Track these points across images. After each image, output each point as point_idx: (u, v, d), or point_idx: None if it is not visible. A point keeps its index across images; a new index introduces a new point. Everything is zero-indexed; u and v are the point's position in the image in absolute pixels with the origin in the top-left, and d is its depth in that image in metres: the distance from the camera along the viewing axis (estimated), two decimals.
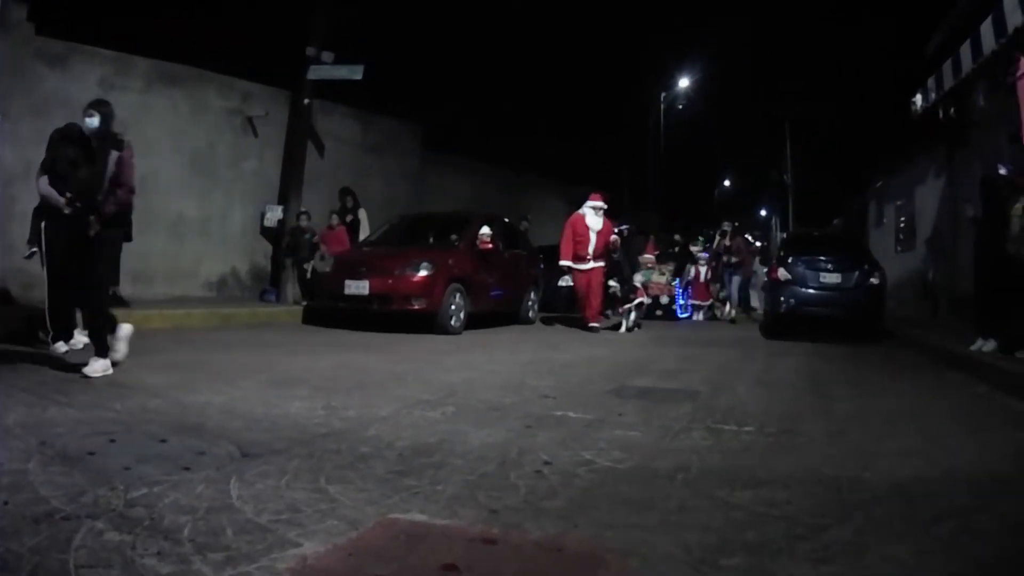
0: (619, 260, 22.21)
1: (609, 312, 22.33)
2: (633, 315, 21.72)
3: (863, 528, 4.84)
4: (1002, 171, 13.24)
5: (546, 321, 23.40)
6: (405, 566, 3.97)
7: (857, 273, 20.29)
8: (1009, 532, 4.91)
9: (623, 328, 21.21)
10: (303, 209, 22.88)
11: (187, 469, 5.50)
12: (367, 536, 4.37)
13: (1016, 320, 13.07)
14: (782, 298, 20.64)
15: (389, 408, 8.26)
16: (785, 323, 20.75)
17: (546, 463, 6.12)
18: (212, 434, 6.61)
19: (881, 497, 5.52)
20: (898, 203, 31.96)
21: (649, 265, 26.31)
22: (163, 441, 6.29)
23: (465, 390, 9.78)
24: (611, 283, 21.50)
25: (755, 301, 29.30)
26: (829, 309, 20.21)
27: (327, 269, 20.98)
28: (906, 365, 14.96)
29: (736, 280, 28.37)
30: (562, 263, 21.25)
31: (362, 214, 24.62)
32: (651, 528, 4.70)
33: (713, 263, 28.95)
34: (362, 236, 23.37)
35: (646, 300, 23.74)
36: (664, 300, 27.72)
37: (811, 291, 20.35)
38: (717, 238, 29.32)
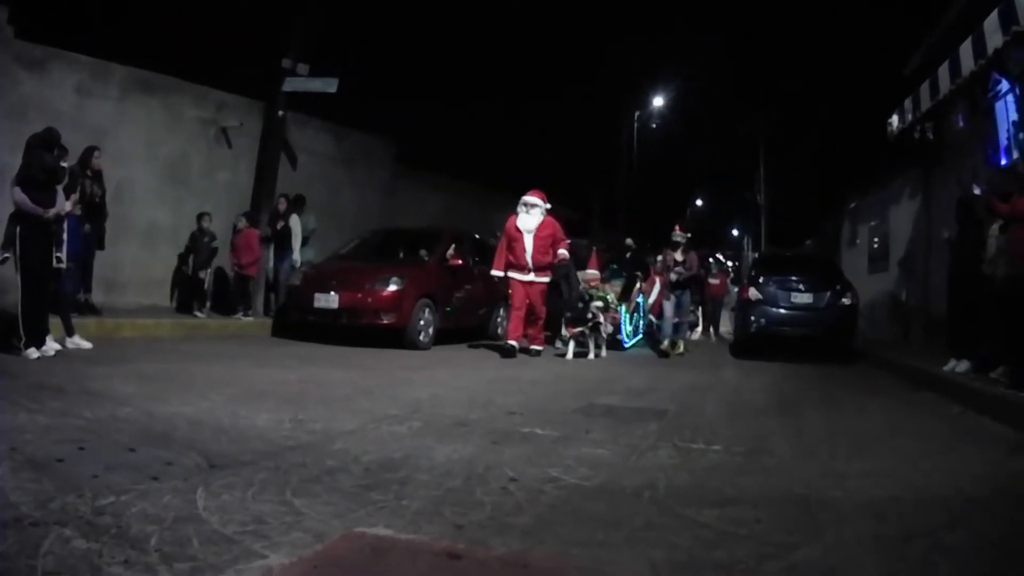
0: (566, 274, 18.99)
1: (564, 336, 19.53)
2: (593, 340, 18.36)
3: (833, 547, 4.85)
4: (976, 191, 13.32)
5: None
6: None
7: (829, 293, 20.41)
8: (981, 551, 4.95)
9: (569, 353, 17.98)
10: (205, 211, 21.14)
11: (155, 479, 5.47)
12: (332, 549, 4.36)
13: (989, 341, 13.15)
14: (753, 318, 20.70)
15: (356, 422, 8.26)
16: (756, 343, 20.79)
17: (512, 479, 6.11)
18: (180, 444, 6.59)
19: (852, 516, 5.53)
20: (871, 224, 32.01)
21: (592, 283, 20.80)
22: (132, 450, 6.28)
23: (432, 405, 9.79)
24: (592, 310, 18.19)
25: (725, 324, 29.03)
26: (800, 329, 20.29)
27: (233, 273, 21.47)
28: (878, 385, 15.05)
29: (674, 303, 22.03)
30: (493, 273, 19.13)
31: (295, 222, 22.28)
32: (617, 545, 4.70)
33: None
34: (295, 246, 22.03)
35: (603, 324, 18.79)
36: (607, 329, 19.94)
37: (782, 311, 20.45)
38: (668, 254, 22.57)
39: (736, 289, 26.93)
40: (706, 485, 6.34)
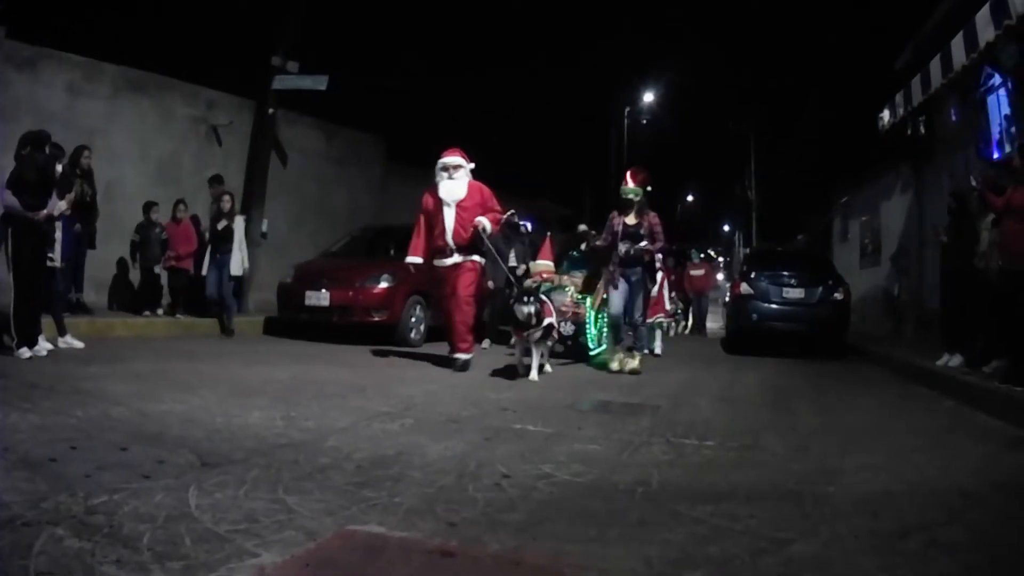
0: (496, 248, 14.74)
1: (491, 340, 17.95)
2: (539, 351, 13.33)
3: (828, 542, 4.84)
4: (974, 184, 13.32)
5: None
6: None
7: (821, 288, 20.44)
8: (976, 546, 4.93)
9: (533, 372, 12.99)
10: (153, 200, 19.68)
11: (147, 477, 5.46)
12: (325, 547, 4.35)
13: (982, 335, 13.17)
14: (745, 313, 20.72)
15: (348, 419, 8.26)
16: (748, 338, 20.79)
17: (505, 476, 6.11)
18: (172, 443, 6.58)
19: (846, 512, 5.53)
20: (863, 219, 32.10)
21: (545, 275, 17.51)
22: (124, 449, 6.26)
23: (424, 402, 9.80)
24: (527, 306, 12.79)
25: (714, 320, 28.75)
26: (792, 324, 20.32)
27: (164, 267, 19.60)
28: (871, 380, 15.08)
29: (625, 291, 15.09)
30: (408, 260, 14.82)
31: (239, 225, 19.82)
32: (611, 542, 4.69)
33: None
34: (236, 250, 19.42)
35: (553, 323, 13.93)
36: (568, 329, 17.05)
37: (774, 306, 20.49)
38: (613, 217, 15.57)
39: (728, 284, 26.85)
40: (700, 481, 6.35)
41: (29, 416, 7.37)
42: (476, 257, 14.43)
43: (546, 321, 13.29)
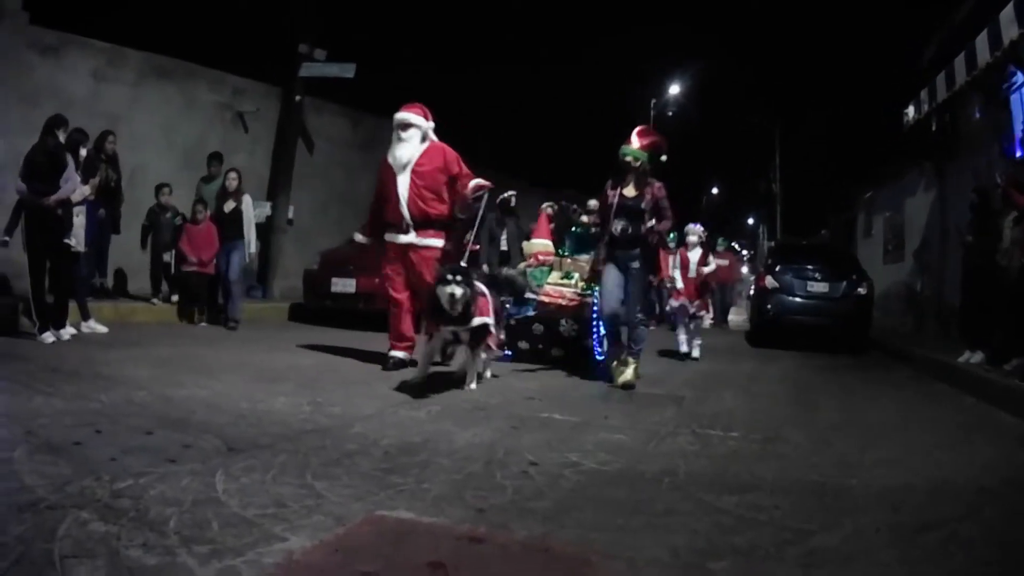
0: (490, 231, 14.47)
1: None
2: (476, 359, 10.25)
3: (850, 536, 4.84)
4: (999, 180, 13.27)
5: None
6: (392, 563, 3.97)
7: (845, 283, 20.40)
8: (994, 542, 4.93)
9: (471, 382, 10.06)
10: (164, 182, 18.54)
11: (173, 461, 5.46)
12: (354, 532, 4.35)
13: (1003, 332, 13.11)
14: (769, 306, 20.67)
15: (374, 406, 8.27)
16: (771, 332, 20.76)
17: (532, 464, 6.12)
18: (197, 428, 6.59)
19: (867, 505, 5.53)
20: (887, 214, 31.97)
21: (541, 257, 14.81)
22: (149, 433, 6.26)
23: (449, 390, 9.77)
24: (448, 287, 9.37)
25: (734, 314, 28.37)
26: (816, 318, 20.27)
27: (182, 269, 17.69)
28: (892, 376, 15.05)
29: (618, 281, 11.57)
30: (355, 238, 13.34)
31: (247, 202, 17.83)
32: (638, 531, 4.69)
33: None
34: (248, 232, 17.66)
35: (489, 324, 10.35)
36: (565, 327, 13.48)
37: (798, 300, 20.43)
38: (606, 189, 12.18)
39: (753, 277, 26.73)
40: (725, 472, 6.35)
41: (52, 400, 7.40)
42: (438, 242, 11.92)
43: (477, 320, 9.86)
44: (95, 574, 3.61)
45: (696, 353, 15.89)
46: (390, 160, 11.74)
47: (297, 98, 23.02)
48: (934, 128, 22.90)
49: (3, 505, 4.35)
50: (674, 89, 52.25)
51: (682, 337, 16.35)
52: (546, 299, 13.66)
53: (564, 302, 13.64)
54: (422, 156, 11.62)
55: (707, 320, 17.32)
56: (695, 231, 16.90)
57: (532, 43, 43.70)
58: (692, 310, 16.19)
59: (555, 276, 14.34)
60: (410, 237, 11.65)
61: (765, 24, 59.04)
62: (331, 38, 23.40)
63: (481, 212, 12.33)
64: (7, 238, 12.35)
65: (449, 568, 3.89)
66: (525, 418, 8.18)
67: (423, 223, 11.66)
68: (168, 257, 18.15)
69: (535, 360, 13.16)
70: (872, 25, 38.26)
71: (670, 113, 53.10)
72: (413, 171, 11.54)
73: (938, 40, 22.98)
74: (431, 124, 11.87)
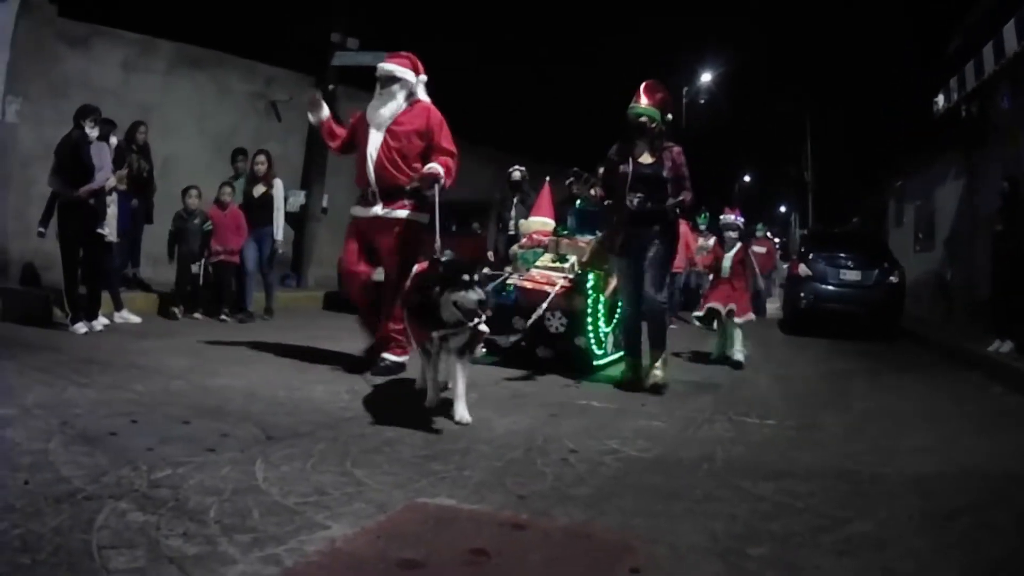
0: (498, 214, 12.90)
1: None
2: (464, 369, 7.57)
3: (884, 522, 4.90)
4: None
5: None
6: (434, 550, 3.99)
7: (877, 271, 20.33)
8: (1021, 529, 5.01)
9: (461, 408, 7.18)
10: (192, 184, 16.13)
11: (211, 451, 5.50)
12: (395, 519, 4.38)
13: None
14: (802, 294, 20.62)
15: (413, 393, 8.27)
16: (805, 319, 20.73)
17: (572, 451, 6.15)
18: (235, 416, 6.62)
19: (900, 492, 5.62)
20: (917, 203, 31.85)
21: (537, 237, 12.82)
22: (186, 423, 6.29)
23: (486, 377, 9.71)
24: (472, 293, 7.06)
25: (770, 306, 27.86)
26: (848, 306, 20.21)
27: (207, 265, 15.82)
28: (923, 364, 15.03)
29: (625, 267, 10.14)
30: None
31: (278, 187, 16.54)
32: (677, 517, 4.73)
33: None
34: (278, 218, 16.36)
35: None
36: (556, 324, 11.08)
37: (831, 288, 20.37)
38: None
39: (786, 265, 26.56)
40: (761, 458, 6.40)
41: (87, 391, 7.42)
42: (409, 214, 10.07)
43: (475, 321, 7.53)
44: (135, 564, 3.63)
45: (740, 357, 12.78)
46: (368, 115, 10.08)
47: (330, 87, 22.98)
48: (963, 116, 22.83)
49: (40, 496, 4.37)
50: (705, 77, 52.10)
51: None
52: (529, 285, 11.36)
53: (550, 289, 11.03)
54: (402, 114, 9.91)
55: (748, 316, 12.86)
56: (734, 224, 13.76)
57: (565, 30, 43.73)
58: (724, 313, 13.19)
59: (546, 259, 12.08)
60: (376, 209, 9.96)
61: (796, 12, 58.80)
62: (364, 26, 23.39)
63: (437, 207, 9.91)
64: (43, 229, 12.39)
65: (491, 554, 3.91)
66: (563, 405, 8.25)
67: (392, 192, 9.91)
68: (196, 268, 15.70)
69: (515, 363, 10.80)
70: (901, 13, 38.16)
71: (701, 101, 52.95)
72: (388, 130, 9.86)
73: (964, 26, 22.94)
74: (422, 78, 10.21)
